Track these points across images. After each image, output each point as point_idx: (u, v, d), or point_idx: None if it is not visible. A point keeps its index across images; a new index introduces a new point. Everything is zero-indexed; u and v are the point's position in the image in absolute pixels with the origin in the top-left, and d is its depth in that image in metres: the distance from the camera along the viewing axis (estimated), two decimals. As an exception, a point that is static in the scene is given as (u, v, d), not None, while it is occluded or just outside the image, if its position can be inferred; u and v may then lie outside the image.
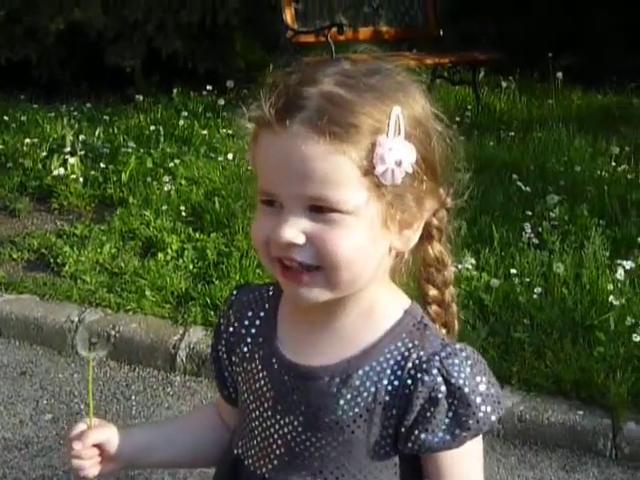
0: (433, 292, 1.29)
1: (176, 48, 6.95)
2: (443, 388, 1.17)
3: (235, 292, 1.39)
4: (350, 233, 1.12)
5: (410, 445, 1.20)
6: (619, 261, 3.97)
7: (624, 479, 3.09)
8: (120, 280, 4.05)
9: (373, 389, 1.20)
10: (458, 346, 1.20)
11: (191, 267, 4.12)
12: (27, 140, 5.52)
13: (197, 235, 4.39)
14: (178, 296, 3.93)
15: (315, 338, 1.24)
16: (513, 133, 6.18)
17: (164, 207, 4.63)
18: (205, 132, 5.92)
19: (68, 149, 5.32)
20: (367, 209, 1.13)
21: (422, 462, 1.24)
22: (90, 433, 1.34)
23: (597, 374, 3.30)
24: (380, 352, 1.21)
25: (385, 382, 1.19)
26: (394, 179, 1.12)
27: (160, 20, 6.88)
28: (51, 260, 4.27)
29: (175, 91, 6.84)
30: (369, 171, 1.11)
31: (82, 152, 5.30)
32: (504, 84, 7.39)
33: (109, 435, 1.36)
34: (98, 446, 1.35)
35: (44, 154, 5.34)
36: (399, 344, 1.21)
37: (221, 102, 6.40)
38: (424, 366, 1.18)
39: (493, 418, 1.19)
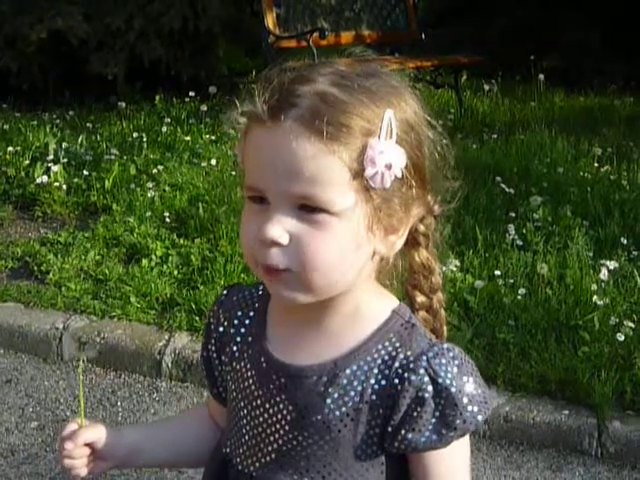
0: (421, 298, 1.28)
1: (158, 55, 6.94)
2: (430, 388, 1.17)
3: (225, 292, 1.38)
4: (335, 236, 1.12)
5: (397, 444, 1.20)
6: (603, 261, 3.99)
7: (610, 478, 3.10)
8: (105, 287, 4.04)
9: (360, 388, 1.20)
10: (446, 346, 1.20)
11: (176, 273, 4.11)
12: (10, 148, 5.50)
13: (181, 241, 4.39)
14: (163, 302, 3.92)
15: (303, 338, 1.24)
16: (496, 135, 6.21)
17: (148, 213, 4.63)
18: (188, 138, 5.92)
19: (51, 157, 5.31)
20: (354, 212, 1.12)
21: (409, 462, 1.24)
22: (81, 432, 1.34)
23: (582, 374, 3.31)
24: (367, 351, 1.21)
25: (372, 381, 1.19)
26: (383, 182, 1.11)
27: (142, 27, 6.87)
28: (35, 268, 4.25)
29: (158, 98, 6.83)
30: (358, 173, 1.11)
31: (65, 160, 5.29)
32: (486, 87, 7.42)
33: (100, 435, 1.36)
34: (89, 446, 1.35)
35: (27, 162, 5.31)
36: (386, 344, 1.21)
37: (204, 108, 6.40)
38: (411, 365, 1.18)
39: (480, 418, 1.19)
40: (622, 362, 3.40)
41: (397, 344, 1.20)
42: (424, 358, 1.18)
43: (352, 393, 1.20)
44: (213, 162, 5.39)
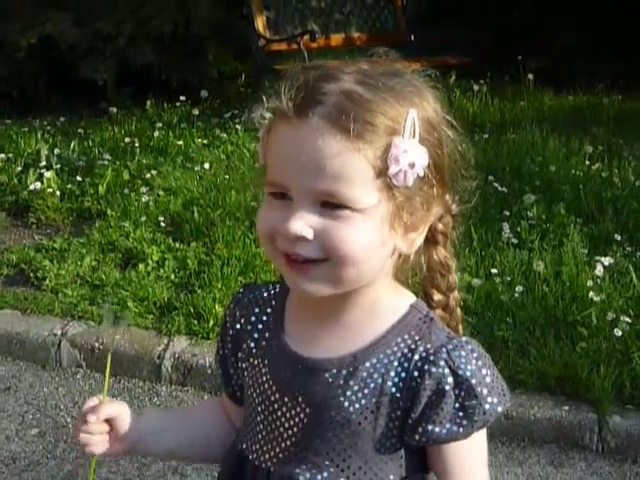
0: (438, 296, 1.30)
1: (149, 59, 6.93)
2: (450, 379, 1.18)
3: (241, 290, 1.39)
4: (359, 231, 1.13)
5: (417, 437, 1.21)
6: (598, 257, 4.01)
7: (611, 472, 3.12)
8: (102, 292, 4.03)
9: (380, 381, 1.21)
10: (464, 339, 1.22)
11: (172, 277, 4.11)
12: (2, 155, 5.49)
13: (177, 245, 4.39)
14: (161, 306, 3.92)
15: (321, 332, 1.25)
16: (487, 135, 6.22)
17: (143, 218, 4.63)
18: (180, 142, 5.92)
19: (43, 163, 5.30)
20: (377, 209, 1.13)
21: (428, 455, 1.25)
22: (103, 407, 1.33)
23: (581, 369, 3.33)
24: (387, 345, 1.22)
25: (392, 374, 1.21)
26: (406, 181, 1.13)
27: (131, 32, 6.85)
28: (31, 274, 4.24)
29: (149, 103, 6.82)
30: (382, 171, 1.12)
31: (58, 166, 5.29)
32: (476, 87, 7.42)
33: (121, 411, 1.35)
34: (109, 423, 1.34)
35: (19, 169, 5.30)
36: (406, 337, 1.22)
37: (195, 112, 6.41)
38: (431, 358, 1.19)
39: (499, 409, 1.21)
40: (620, 357, 3.42)
41: (416, 337, 1.22)
42: (444, 350, 1.19)
43: (372, 386, 1.21)
44: (206, 166, 5.40)
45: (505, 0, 8.15)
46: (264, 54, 6.61)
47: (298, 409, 1.24)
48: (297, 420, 1.25)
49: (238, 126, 6.28)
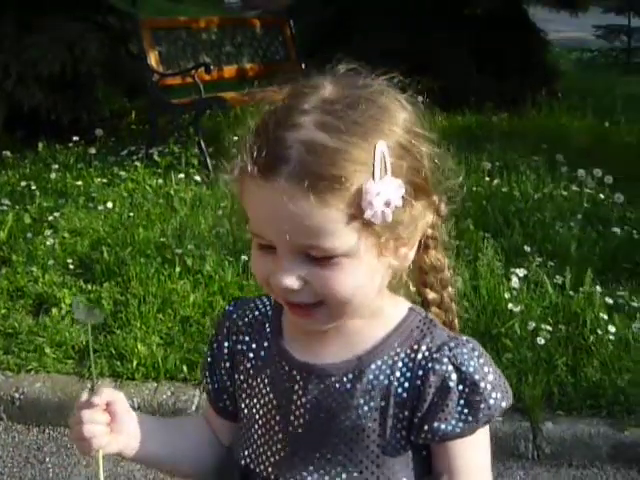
0: (432, 295, 1.31)
1: (38, 101, 6.78)
2: (454, 376, 1.19)
3: (231, 306, 1.38)
4: (347, 273, 1.13)
5: (423, 435, 1.21)
6: (512, 269, 4.10)
7: (549, 478, 3.18)
8: (16, 340, 3.88)
9: (386, 382, 1.21)
10: (464, 338, 1.24)
11: (88, 319, 3.99)
12: None
13: (89, 286, 4.27)
14: (79, 350, 3.80)
15: (323, 340, 1.25)
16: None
17: (50, 261, 4.49)
18: (80, 183, 5.79)
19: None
20: (360, 247, 1.12)
21: (433, 455, 1.24)
22: (100, 392, 1.27)
23: (509, 379, 3.36)
24: (390, 347, 1.23)
25: (397, 374, 1.21)
26: (385, 218, 1.11)
27: (19, 74, 6.70)
28: (-62, 328, 4.06)
29: (41, 145, 6.66)
30: (358, 216, 1.10)
31: (-47, 215, 5.10)
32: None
33: (117, 397, 1.28)
34: (108, 411, 1.26)
35: None
36: (408, 338, 1.23)
37: (92, 151, 6.30)
38: (435, 356, 1.20)
39: (504, 404, 1.22)
40: (545, 365, 3.50)
41: (418, 338, 1.23)
42: (446, 348, 1.21)
43: (379, 388, 1.21)
44: (109, 205, 5.30)
45: (391, 23, 8.31)
46: (159, 89, 6.55)
47: (308, 416, 1.23)
48: (307, 427, 1.23)
49: (137, 163, 6.21)
